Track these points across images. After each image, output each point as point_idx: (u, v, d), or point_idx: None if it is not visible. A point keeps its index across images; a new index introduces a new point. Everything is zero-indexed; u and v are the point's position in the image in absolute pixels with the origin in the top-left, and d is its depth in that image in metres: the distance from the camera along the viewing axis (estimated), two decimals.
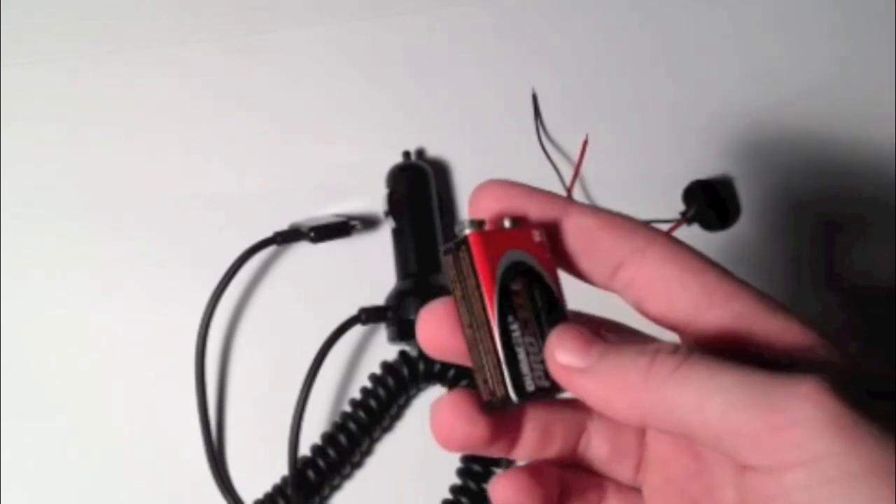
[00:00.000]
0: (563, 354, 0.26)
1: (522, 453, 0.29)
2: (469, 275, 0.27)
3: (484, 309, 0.27)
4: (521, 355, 0.27)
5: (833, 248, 0.52)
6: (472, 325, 0.27)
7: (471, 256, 0.27)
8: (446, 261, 0.28)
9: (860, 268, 0.52)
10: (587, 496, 0.30)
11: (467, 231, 0.27)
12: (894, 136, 0.53)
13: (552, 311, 0.27)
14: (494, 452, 0.29)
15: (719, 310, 0.26)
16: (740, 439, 0.22)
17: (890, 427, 0.21)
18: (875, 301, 0.51)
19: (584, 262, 0.28)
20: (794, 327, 0.25)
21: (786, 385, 0.22)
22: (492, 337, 0.27)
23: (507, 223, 0.27)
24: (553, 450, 0.29)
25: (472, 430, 0.28)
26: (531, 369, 0.27)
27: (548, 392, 0.27)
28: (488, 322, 0.27)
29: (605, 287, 0.28)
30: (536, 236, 0.27)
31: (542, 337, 0.27)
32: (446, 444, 0.29)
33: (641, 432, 0.29)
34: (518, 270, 0.27)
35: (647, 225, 0.28)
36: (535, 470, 0.29)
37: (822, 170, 0.53)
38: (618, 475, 0.30)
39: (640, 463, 0.29)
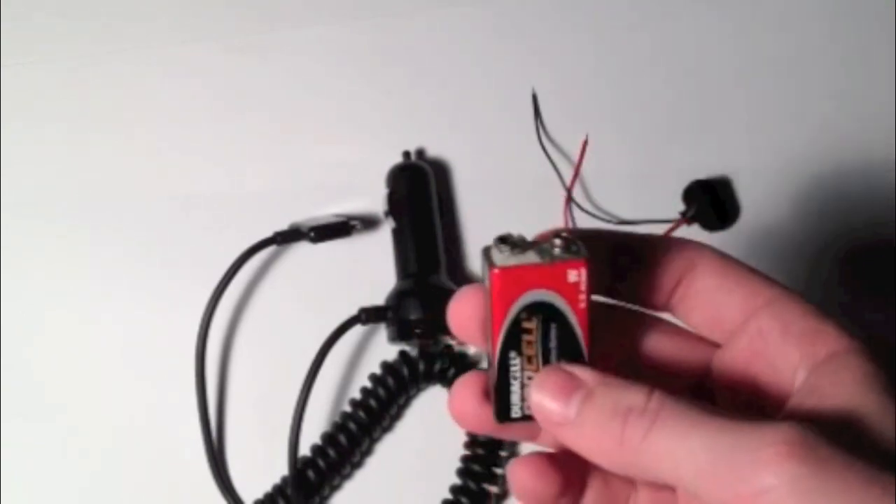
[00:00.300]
0: (545, 400, 0.26)
1: (547, 441, 0.30)
2: (488, 299, 0.27)
3: (492, 336, 0.27)
4: (515, 387, 0.27)
5: (833, 248, 0.52)
6: (487, 337, 0.27)
7: (491, 289, 0.26)
8: (483, 265, 0.27)
9: (860, 267, 0.52)
10: (614, 487, 0.30)
11: (494, 264, 0.26)
12: (894, 135, 0.53)
13: (568, 352, 0.27)
14: (514, 437, 0.29)
15: (761, 311, 0.27)
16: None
17: (857, 473, 0.21)
18: (876, 301, 0.51)
19: (646, 284, 0.28)
20: (829, 330, 0.26)
21: (750, 449, 0.22)
22: (492, 360, 0.27)
23: (556, 247, 0.26)
24: None
25: (482, 411, 0.28)
26: (521, 399, 0.27)
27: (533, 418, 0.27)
28: (493, 349, 0.27)
29: (664, 308, 0.29)
30: (573, 276, 0.26)
31: None
32: (460, 422, 0.29)
33: None
34: (537, 310, 0.26)
35: (694, 242, 0.29)
36: (557, 457, 0.29)
37: (823, 169, 0.53)
38: None
39: None
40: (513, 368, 0.27)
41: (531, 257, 0.26)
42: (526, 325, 0.26)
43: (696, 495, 0.23)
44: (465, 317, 0.28)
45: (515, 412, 0.28)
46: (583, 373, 0.26)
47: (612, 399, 0.25)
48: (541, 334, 0.27)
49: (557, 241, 0.26)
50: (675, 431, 0.23)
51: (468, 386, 0.29)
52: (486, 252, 0.27)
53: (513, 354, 0.27)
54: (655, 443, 0.24)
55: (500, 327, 0.27)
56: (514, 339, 0.27)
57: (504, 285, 0.26)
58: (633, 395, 0.25)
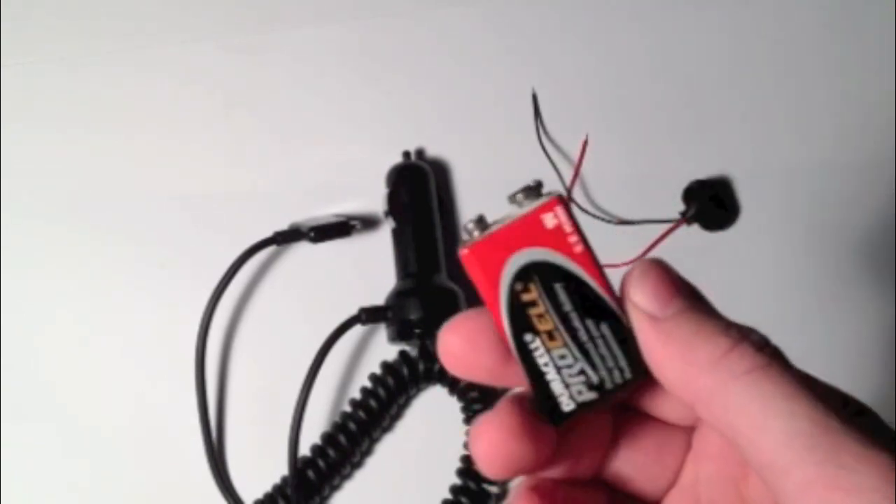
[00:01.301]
0: (638, 296, 0.22)
1: (557, 469, 0.25)
2: (478, 291, 0.23)
3: (498, 329, 0.23)
4: (551, 374, 0.23)
5: (833, 248, 0.52)
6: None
7: (470, 274, 0.23)
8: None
9: (859, 269, 0.52)
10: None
11: (463, 244, 0.23)
12: (894, 135, 0.53)
13: (591, 311, 0.23)
14: (558, 473, 0.25)
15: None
16: (790, 480, 0.20)
17: None
18: (873, 303, 0.51)
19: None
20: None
21: (861, 445, 0.20)
22: (515, 357, 0.23)
23: (521, 201, 0.23)
24: (589, 459, 0.26)
25: (518, 448, 0.23)
26: (566, 386, 0.23)
27: (595, 404, 0.23)
28: (507, 343, 0.23)
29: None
30: (549, 221, 0.23)
31: (578, 343, 0.23)
32: (489, 468, 0.23)
33: (685, 448, 0.26)
34: (532, 272, 0.23)
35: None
36: (546, 488, 0.25)
37: (822, 169, 0.53)
38: (638, 489, 0.26)
39: (674, 485, 0.26)
40: (536, 353, 0.23)
41: (499, 224, 0.23)
42: (526, 297, 0.23)
43: (764, 467, 0.21)
44: (457, 349, 0.24)
45: (566, 404, 0.23)
46: (688, 282, 0.23)
47: (724, 320, 0.22)
48: (548, 300, 0.23)
49: (520, 196, 0.23)
50: (784, 386, 0.21)
51: (493, 424, 0.23)
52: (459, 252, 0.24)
53: (529, 337, 0.23)
54: (757, 384, 0.21)
55: (500, 311, 0.23)
56: (521, 320, 0.23)
57: (482, 262, 0.23)
58: (750, 329, 0.22)
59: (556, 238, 0.23)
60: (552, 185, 0.52)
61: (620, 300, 0.23)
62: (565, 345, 0.23)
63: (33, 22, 0.57)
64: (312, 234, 0.51)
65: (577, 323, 0.23)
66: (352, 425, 0.49)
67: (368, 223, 0.53)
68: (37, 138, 0.56)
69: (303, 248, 0.53)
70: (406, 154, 0.53)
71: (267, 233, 0.51)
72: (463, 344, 0.24)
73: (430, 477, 0.49)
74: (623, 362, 0.23)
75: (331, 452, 0.49)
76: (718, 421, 0.22)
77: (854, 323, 0.51)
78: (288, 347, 0.52)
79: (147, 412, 0.52)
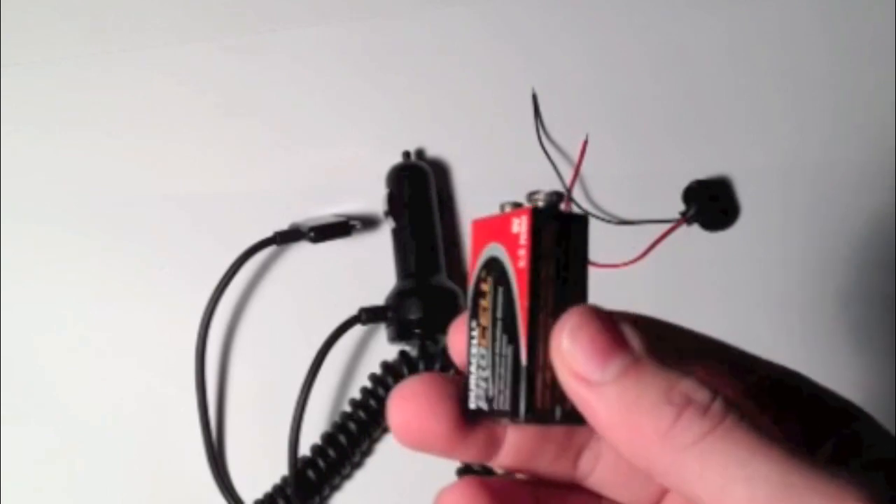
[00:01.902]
0: (571, 357, 0.20)
1: (506, 462, 0.24)
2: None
3: None
4: (473, 367, 0.22)
5: (832, 248, 0.52)
6: None
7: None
8: None
9: (858, 270, 0.52)
10: None
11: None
12: (894, 136, 0.53)
13: (507, 326, 0.22)
14: (466, 457, 0.23)
15: None
16: None
17: None
18: (873, 303, 0.51)
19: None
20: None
21: (825, 497, 0.19)
22: None
23: (535, 197, 0.22)
24: (544, 462, 0.24)
25: (432, 424, 0.22)
26: (476, 385, 0.22)
27: (488, 415, 0.22)
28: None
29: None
30: (515, 225, 0.22)
31: (493, 352, 0.22)
32: (401, 436, 0.23)
33: None
34: (492, 267, 0.22)
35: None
36: (497, 485, 0.23)
37: (822, 170, 0.53)
38: (628, 495, 0.25)
39: (664, 498, 0.25)
40: (472, 343, 0.22)
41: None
42: (483, 286, 0.22)
43: None
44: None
45: (472, 401, 0.22)
46: (629, 330, 0.20)
47: (667, 379, 0.20)
48: (492, 299, 0.22)
49: (535, 196, 0.22)
50: (737, 447, 0.19)
51: (410, 392, 0.23)
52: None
53: (473, 324, 0.22)
54: (709, 452, 0.19)
55: (469, 288, 0.23)
56: (475, 305, 0.22)
57: (477, 236, 0.23)
58: (694, 386, 0.20)
59: (512, 244, 0.22)
60: (552, 185, 0.52)
61: (534, 334, 0.21)
62: (488, 348, 0.22)
63: (33, 22, 0.57)
64: (312, 234, 0.51)
65: (498, 333, 0.22)
66: (352, 425, 0.49)
67: (368, 223, 0.53)
68: (37, 138, 0.56)
69: (303, 248, 0.53)
70: (406, 154, 0.53)
71: (267, 233, 0.51)
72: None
73: (430, 477, 0.49)
74: (508, 392, 0.22)
75: (331, 452, 0.49)
76: (678, 490, 0.20)
77: (854, 323, 0.51)
78: (288, 347, 0.52)
79: (147, 412, 0.52)
